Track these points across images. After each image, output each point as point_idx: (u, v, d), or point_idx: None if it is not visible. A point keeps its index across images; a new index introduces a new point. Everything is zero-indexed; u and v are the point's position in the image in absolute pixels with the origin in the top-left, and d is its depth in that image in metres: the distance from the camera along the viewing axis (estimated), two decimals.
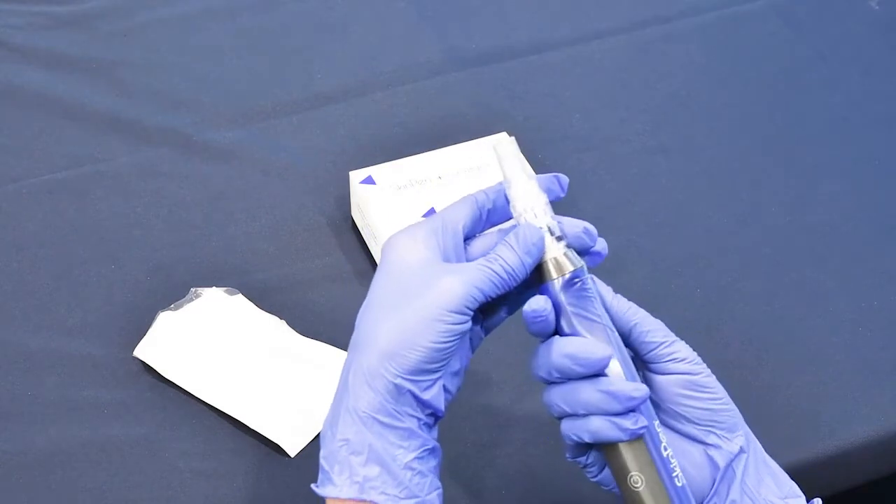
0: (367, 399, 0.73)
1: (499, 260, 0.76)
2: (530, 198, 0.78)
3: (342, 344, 0.98)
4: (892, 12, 1.27)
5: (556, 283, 0.76)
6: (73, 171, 1.12)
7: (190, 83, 1.20)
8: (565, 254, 0.76)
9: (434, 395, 0.74)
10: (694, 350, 0.80)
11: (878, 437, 0.95)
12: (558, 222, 0.77)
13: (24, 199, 1.10)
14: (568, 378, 0.76)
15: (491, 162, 1.06)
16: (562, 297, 0.76)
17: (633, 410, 0.76)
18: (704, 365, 0.79)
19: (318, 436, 0.94)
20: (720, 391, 0.79)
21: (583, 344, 0.75)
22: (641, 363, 0.79)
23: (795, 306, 1.03)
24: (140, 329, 0.99)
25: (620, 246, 1.06)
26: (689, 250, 1.07)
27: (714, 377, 0.79)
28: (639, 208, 1.10)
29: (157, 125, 1.15)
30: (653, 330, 0.79)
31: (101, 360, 0.98)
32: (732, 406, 0.80)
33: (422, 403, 0.74)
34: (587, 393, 0.75)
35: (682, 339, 0.81)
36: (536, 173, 1.06)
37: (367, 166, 1.06)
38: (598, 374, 0.75)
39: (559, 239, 0.77)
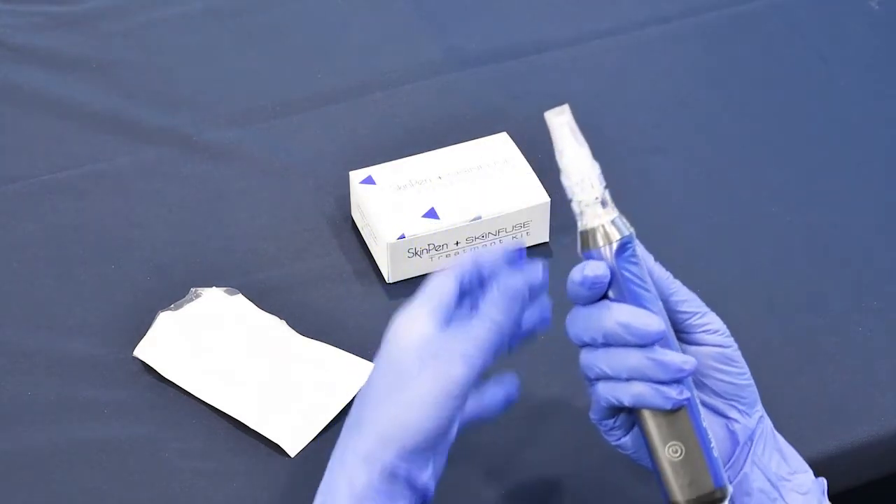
0: (362, 481, 0.74)
1: (488, 323, 0.75)
2: (584, 168, 0.78)
3: (342, 344, 0.98)
4: (892, 12, 1.27)
5: (606, 249, 0.77)
6: (73, 171, 1.12)
7: (190, 83, 1.20)
8: (614, 221, 0.77)
9: (427, 477, 0.75)
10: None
11: (878, 437, 0.95)
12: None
13: (24, 199, 1.10)
14: (614, 344, 0.76)
15: (491, 162, 1.06)
16: (614, 264, 0.76)
17: (679, 381, 0.76)
18: (733, 339, 0.80)
19: (318, 436, 0.94)
20: (745, 366, 0.81)
21: (638, 315, 0.76)
22: (675, 332, 0.80)
23: (795, 306, 1.03)
24: (140, 329, 0.99)
25: None
26: (689, 250, 1.07)
27: (740, 351, 0.80)
28: (639, 208, 1.10)
29: (157, 125, 1.15)
30: (688, 300, 0.80)
31: (101, 360, 0.98)
32: (753, 382, 0.81)
33: (414, 488, 0.74)
34: (636, 359, 0.76)
35: None
36: (537, 174, 1.06)
37: (367, 166, 1.06)
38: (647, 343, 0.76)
39: (607, 206, 0.77)
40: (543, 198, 1.04)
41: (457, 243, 1.03)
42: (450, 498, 0.91)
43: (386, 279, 1.03)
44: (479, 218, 1.03)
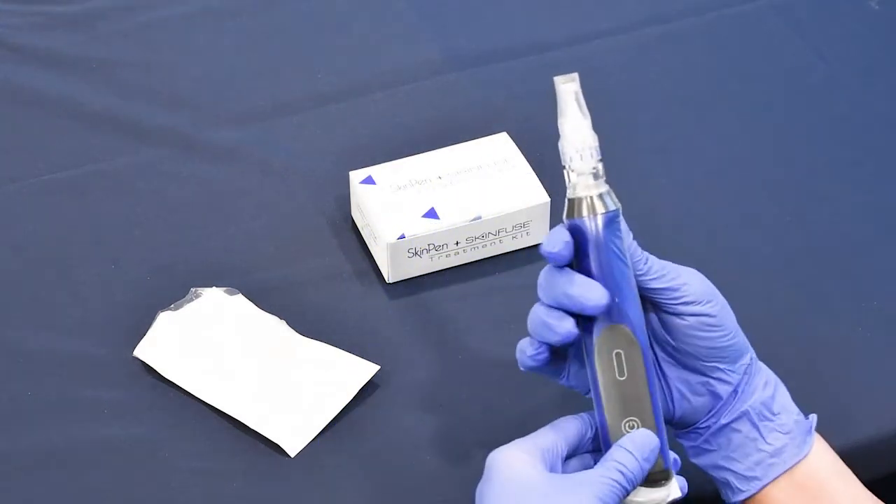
0: None
1: (619, 467, 0.77)
2: (584, 137, 0.79)
3: (342, 344, 0.99)
4: (892, 12, 1.27)
5: (591, 221, 0.78)
6: (73, 171, 1.12)
7: (190, 83, 1.20)
8: (602, 195, 0.79)
9: None
10: None
11: (878, 437, 0.95)
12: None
13: (24, 199, 1.10)
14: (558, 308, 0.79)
15: (491, 162, 1.06)
16: (598, 235, 0.78)
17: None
18: (715, 301, 0.81)
19: (318, 436, 0.94)
20: (728, 325, 0.82)
21: (585, 287, 0.78)
22: (651, 305, 0.82)
23: (795, 306, 1.03)
24: (140, 329, 0.99)
25: None
26: (689, 250, 1.07)
27: (724, 306, 0.82)
28: (639, 208, 1.10)
29: (157, 125, 1.15)
30: (663, 275, 0.81)
31: (101, 360, 0.98)
32: (738, 336, 0.83)
33: None
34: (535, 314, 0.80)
35: None
36: (537, 174, 1.06)
37: (367, 166, 1.06)
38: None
39: (599, 178, 0.79)
40: (543, 198, 1.04)
41: (457, 243, 1.03)
42: (449, 497, 0.91)
43: (386, 279, 1.03)
44: (479, 218, 1.03)
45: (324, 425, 0.94)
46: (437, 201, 1.03)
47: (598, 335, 0.80)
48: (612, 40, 1.24)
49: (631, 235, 0.81)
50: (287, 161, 1.13)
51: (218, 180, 1.11)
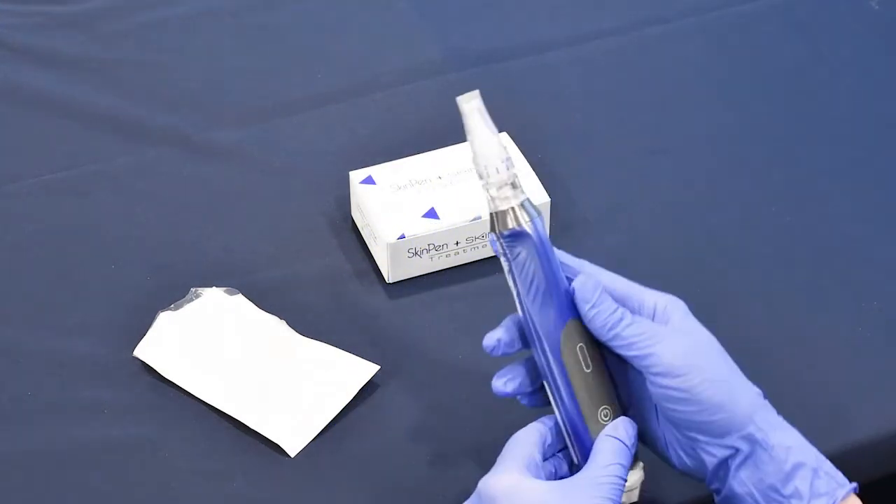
0: None
1: (619, 460, 0.79)
2: (494, 152, 0.80)
3: (342, 344, 0.98)
4: (892, 12, 1.27)
5: (522, 228, 0.80)
6: (73, 171, 1.12)
7: (190, 83, 1.20)
8: (523, 204, 0.80)
9: None
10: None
11: (878, 436, 0.95)
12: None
13: (24, 199, 1.10)
14: None
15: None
16: (534, 240, 0.80)
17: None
18: (690, 374, 0.79)
19: (318, 436, 0.94)
20: (708, 400, 0.79)
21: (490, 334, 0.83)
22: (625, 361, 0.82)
23: (795, 306, 1.03)
24: (140, 329, 0.99)
25: (620, 246, 1.06)
26: (689, 250, 1.07)
27: (704, 381, 0.79)
28: (639, 208, 1.10)
29: (157, 125, 1.15)
30: (634, 342, 0.80)
31: (101, 360, 0.98)
32: (721, 413, 0.79)
33: None
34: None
35: None
36: (537, 174, 1.06)
37: (367, 166, 1.06)
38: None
39: (516, 189, 0.81)
40: (543, 198, 1.04)
41: (457, 243, 1.03)
42: (449, 497, 0.91)
43: (386, 279, 1.03)
44: (479, 218, 1.03)
45: (324, 425, 0.94)
46: (437, 201, 1.03)
47: (563, 330, 0.81)
48: (612, 40, 1.24)
49: (620, 312, 0.81)
50: (287, 161, 1.13)
51: (218, 180, 1.11)
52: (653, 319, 0.81)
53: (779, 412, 0.93)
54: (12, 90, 1.18)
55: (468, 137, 0.81)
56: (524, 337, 0.83)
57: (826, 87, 1.20)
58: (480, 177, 0.81)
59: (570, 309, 0.82)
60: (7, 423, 0.95)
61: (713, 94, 1.20)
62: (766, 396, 0.84)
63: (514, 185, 0.80)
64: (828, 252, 1.07)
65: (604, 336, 0.80)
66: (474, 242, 1.03)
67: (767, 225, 1.09)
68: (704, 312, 1.02)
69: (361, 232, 1.07)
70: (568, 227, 1.07)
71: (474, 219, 1.03)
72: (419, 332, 1.01)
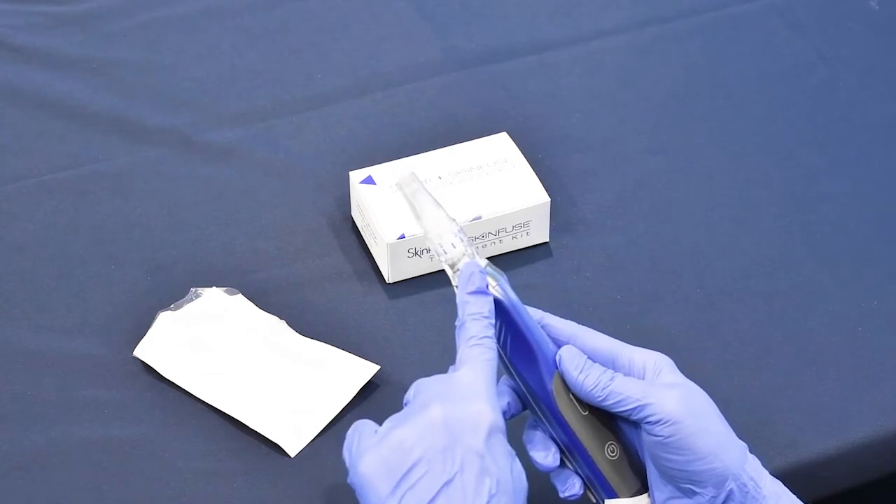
0: None
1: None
2: (445, 227, 0.82)
3: (342, 344, 0.99)
4: (892, 12, 1.27)
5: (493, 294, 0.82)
6: (73, 171, 1.12)
7: (190, 83, 1.20)
8: (487, 267, 0.82)
9: None
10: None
11: (878, 437, 0.95)
12: None
13: (24, 199, 1.10)
14: None
15: (491, 162, 1.06)
16: (507, 303, 0.82)
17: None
18: (687, 421, 0.79)
19: (318, 436, 0.94)
20: (705, 446, 0.79)
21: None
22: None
23: (795, 306, 1.03)
24: (140, 329, 0.99)
25: (620, 246, 1.06)
26: (689, 250, 1.07)
27: (696, 432, 0.79)
28: (639, 208, 1.10)
29: (157, 125, 1.15)
30: (624, 398, 0.80)
31: (101, 360, 0.98)
32: (718, 460, 0.79)
33: None
34: None
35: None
36: (537, 174, 1.06)
37: (367, 166, 1.06)
38: None
39: (474, 258, 0.82)
40: (543, 198, 1.04)
41: None
42: None
43: (386, 279, 1.03)
44: (479, 218, 1.03)
45: (324, 425, 0.94)
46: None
47: (553, 383, 0.82)
48: (612, 40, 1.24)
49: (599, 367, 0.82)
50: (287, 161, 1.13)
51: (218, 180, 1.11)
52: (643, 377, 0.82)
53: (779, 412, 0.93)
54: (12, 90, 1.18)
55: (415, 216, 0.83)
56: (521, 398, 0.84)
57: (826, 87, 1.20)
58: (437, 255, 0.83)
59: (553, 363, 0.83)
60: (7, 423, 0.95)
61: (713, 94, 1.20)
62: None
63: (471, 256, 0.82)
64: (828, 252, 1.07)
65: (596, 396, 0.81)
66: (474, 242, 1.03)
67: (767, 225, 1.09)
68: (705, 312, 1.03)
69: (361, 232, 1.07)
70: (568, 227, 1.07)
71: (474, 219, 1.03)
72: (419, 332, 1.01)
